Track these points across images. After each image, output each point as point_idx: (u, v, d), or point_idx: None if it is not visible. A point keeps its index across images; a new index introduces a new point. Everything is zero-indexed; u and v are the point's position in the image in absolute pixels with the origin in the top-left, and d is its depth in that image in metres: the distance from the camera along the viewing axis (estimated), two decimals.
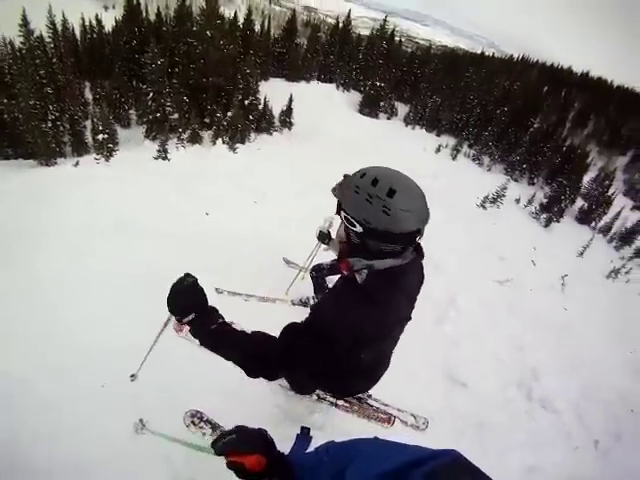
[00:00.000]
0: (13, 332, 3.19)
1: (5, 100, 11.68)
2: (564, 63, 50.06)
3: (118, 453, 2.50)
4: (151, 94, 13.72)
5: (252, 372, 1.59)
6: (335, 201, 1.67)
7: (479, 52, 43.81)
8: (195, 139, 12.98)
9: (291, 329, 1.61)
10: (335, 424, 2.77)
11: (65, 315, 3.44)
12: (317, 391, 2.69)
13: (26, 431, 2.53)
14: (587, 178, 20.14)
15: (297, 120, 17.20)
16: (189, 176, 8.47)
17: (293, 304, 4.30)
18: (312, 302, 4.26)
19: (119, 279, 4.01)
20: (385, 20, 26.31)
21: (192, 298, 1.56)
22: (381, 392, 2.93)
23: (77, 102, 14.81)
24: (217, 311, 1.62)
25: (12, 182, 6.62)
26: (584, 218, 17.21)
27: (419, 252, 1.79)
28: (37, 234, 4.62)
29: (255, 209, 7.15)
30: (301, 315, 1.71)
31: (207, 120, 14.82)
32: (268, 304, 4.22)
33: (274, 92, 17.29)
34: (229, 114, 14.06)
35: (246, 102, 15.51)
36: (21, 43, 12.95)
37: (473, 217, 10.85)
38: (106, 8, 65.08)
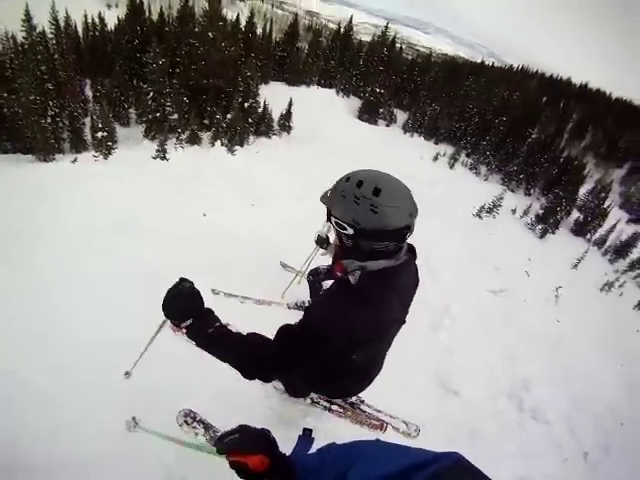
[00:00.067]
0: (12, 330, 3.17)
1: (5, 94, 11.64)
2: (563, 74, 50.26)
3: (110, 451, 2.50)
4: (151, 94, 13.71)
5: (248, 373, 1.60)
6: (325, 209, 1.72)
7: (479, 61, 43.96)
8: (194, 140, 12.97)
9: (285, 330, 1.63)
10: (328, 428, 2.77)
11: (64, 312, 3.42)
12: (311, 395, 2.70)
13: (26, 429, 2.53)
14: (583, 190, 20.21)
15: (296, 124, 17.22)
16: (187, 177, 8.46)
17: (289, 307, 4.30)
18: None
19: (118, 277, 4.01)
20: (387, 27, 26.44)
21: (190, 303, 1.56)
22: (374, 398, 2.96)
23: (77, 99, 14.78)
24: (213, 313, 1.63)
25: (10, 177, 6.61)
26: (579, 230, 17.26)
27: (413, 253, 1.82)
28: (36, 231, 4.59)
29: (253, 211, 7.15)
30: (296, 319, 1.72)
31: (206, 121, 14.81)
32: (264, 307, 4.22)
33: (274, 95, 17.31)
34: (229, 116, 14.06)
35: (246, 105, 15.52)
36: (23, 38, 12.92)
37: (470, 226, 10.87)
38: (109, 6, 65.06)
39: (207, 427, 2.62)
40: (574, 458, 4.06)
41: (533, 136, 24.20)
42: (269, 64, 22.08)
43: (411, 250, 1.82)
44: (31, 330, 3.19)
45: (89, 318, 3.40)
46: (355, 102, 23.51)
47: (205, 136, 13.70)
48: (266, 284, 4.45)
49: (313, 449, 1.38)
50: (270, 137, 16.31)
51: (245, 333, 1.61)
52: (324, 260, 3.79)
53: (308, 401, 2.74)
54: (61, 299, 3.61)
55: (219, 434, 1.29)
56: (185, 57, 15.42)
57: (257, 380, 1.64)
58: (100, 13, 21.71)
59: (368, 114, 22.40)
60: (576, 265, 11.68)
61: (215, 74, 15.22)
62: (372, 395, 2.84)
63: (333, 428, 2.82)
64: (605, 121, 36.41)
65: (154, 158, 10.07)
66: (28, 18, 12.84)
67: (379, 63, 25.01)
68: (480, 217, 12.47)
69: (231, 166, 10.60)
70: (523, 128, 23.39)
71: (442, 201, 11.30)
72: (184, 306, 1.55)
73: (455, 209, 11.49)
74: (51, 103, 12.72)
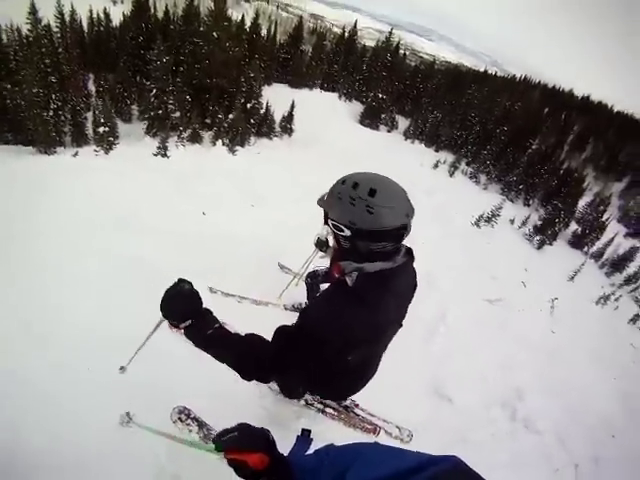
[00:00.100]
0: (12, 328, 3.16)
1: (9, 86, 11.64)
2: (566, 86, 50.40)
3: (104, 446, 2.50)
4: (154, 91, 13.72)
5: (247, 374, 1.61)
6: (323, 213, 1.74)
7: (482, 70, 44.04)
8: (195, 139, 12.98)
9: (282, 332, 1.65)
10: (321, 430, 2.76)
11: (63, 309, 3.41)
12: (305, 396, 2.70)
13: (25, 426, 2.53)
14: (582, 202, 20.21)
15: (298, 127, 17.23)
16: (188, 175, 8.45)
17: (285, 309, 4.31)
18: None
19: (117, 273, 4.01)
20: (391, 33, 26.46)
21: (189, 303, 1.56)
22: (368, 402, 2.96)
23: (80, 93, 14.79)
24: (212, 314, 1.62)
25: (11, 168, 6.59)
26: (577, 242, 17.25)
27: (411, 256, 1.83)
28: (36, 224, 4.57)
29: (253, 212, 7.15)
30: (293, 320, 1.73)
31: (208, 121, 14.82)
32: (261, 307, 4.22)
33: (276, 97, 17.32)
34: (231, 116, 14.08)
35: (248, 105, 15.53)
36: (28, 31, 12.94)
37: (468, 235, 10.87)
38: (114, 2, 64.86)
39: (201, 425, 2.62)
40: (565, 469, 4.06)
41: (534, 147, 24.21)
42: (272, 66, 22.09)
43: (409, 253, 1.83)
44: (31, 328, 3.18)
45: (88, 315, 3.39)
46: (357, 107, 23.52)
47: (206, 135, 13.71)
48: (264, 285, 4.45)
49: (310, 450, 1.38)
50: (271, 139, 16.32)
51: (244, 334, 1.62)
52: (322, 263, 3.81)
53: (302, 402, 2.75)
54: (59, 295, 3.59)
55: (219, 431, 1.28)
56: (189, 56, 15.43)
57: (254, 381, 1.65)
58: (105, 9, 21.69)
59: (370, 119, 22.41)
60: (572, 277, 11.68)
61: (218, 74, 15.24)
62: (366, 399, 2.86)
63: (326, 430, 2.82)
64: (606, 134, 36.44)
65: (155, 155, 10.08)
66: (33, 11, 12.86)
67: (382, 68, 25.02)
68: (478, 226, 12.48)
69: (232, 166, 10.59)
70: (524, 138, 23.41)
71: (441, 209, 11.31)
72: (183, 307, 1.55)
73: (454, 217, 11.48)
74: (54, 96, 12.72)
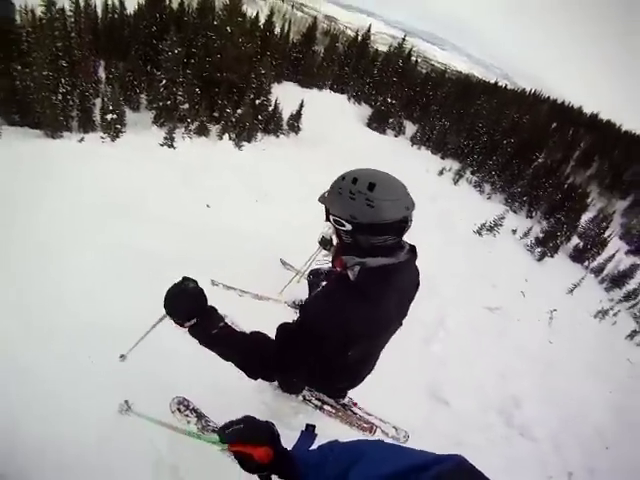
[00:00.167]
0: (13, 317, 3.14)
1: (19, 67, 11.61)
2: (575, 102, 50.36)
3: (101, 434, 2.50)
4: (164, 81, 13.69)
5: (252, 373, 1.63)
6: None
7: (492, 82, 44.04)
8: (202, 131, 12.96)
9: (284, 330, 1.65)
10: (318, 427, 2.77)
11: (65, 298, 3.41)
12: (304, 392, 2.70)
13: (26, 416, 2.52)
14: (585, 218, 20.14)
15: (305, 126, 17.20)
16: (194, 167, 8.45)
17: (287, 305, 4.30)
18: None
19: (120, 261, 4.02)
20: (404, 39, 26.46)
21: (193, 302, 1.55)
22: (366, 401, 2.95)
23: (90, 79, 14.72)
24: (217, 312, 1.62)
25: (18, 151, 6.57)
26: (578, 256, 17.20)
27: (414, 253, 1.83)
28: (41, 208, 4.57)
29: (258, 208, 7.15)
30: (294, 316, 1.72)
31: (216, 114, 14.78)
32: (262, 302, 4.22)
33: (286, 95, 17.27)
34: (239, 111, 14.05)
35: (257, 102, 15.50)
36: (42, 13, 12.89)
37: (470, 243, 10.88)
38: None
39: (200, 416, 2.62)
40: (558, 477, 4.08)
41: (539, 160, 24.16)
42: (284, 64, 22.04)
43: (412, 250, 1.83)
44: (31, 316, 3.16)
45: (90, 303, 3.38)
46: (366, 110, 23.50)
47: (214, 129, 13.68)
48: (266, 281, 4.46)
49: (314, 446, 1.37)
50: (278, 136, 16.29)
51: (249, 332, 1.63)
52: (325, 261, 3.81)
53: (300, 398, 2.74)
54: (61, 284, 3.58)
55: (223, 423, 1.27)
56: (201, 49, 15.40)
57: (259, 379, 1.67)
58: None
59: (377, 123, 22.38)
60: (572, 290, 11.65)
61: (229, 68, 15.22)
62: (363, 398, 2.85)
63: (324, 427, 2.78)
64: (612, 152, 36.38)
65: (161, 145, 10.05)
66: None
67: (393, 74, 24.99)
68: (481, 234, 12.46)
69: (238, 161, 10.59)
70: (530, 151, 23.37)
71: (444, 215, 11.32)
72: (188, 305, 1.54)
73: (457, 224, 11.50)
74: (63, 80, 12.68)
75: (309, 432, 1.47)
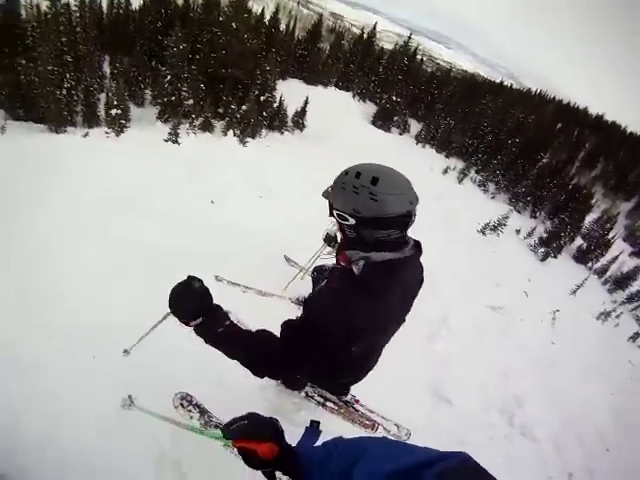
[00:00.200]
0: (13, 315, 3.14)
1: (24, 62, 11.64)
2: (580, 103, 50.27)
3: (104, 429, 2.50)
4: (169, 77, 13.74)
5: (258, 371, 1.62)
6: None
7: (498, 81, 43.95)
8: (207, 127, 12.98)
9: (288, 327, 1.64)
10: (321, 423, 2.77)
11: (67, 293, 3.40)
12: (306, 388, 2.69)
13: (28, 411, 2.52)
14: (589, 219, 20.10)
15: (310, 123, 17.20)
16: (198, 163, 8.43)
17: (291, 301, 4.29)
18: None
19: (123, 257, 4.00)
20: (410, 37, 26.37)
21: (199, 301, 1.54)
22: (368, 398, 2.94)
23: (94, 74, 14.77)
24: (222, 310, 1.61)
25: (22, 145, 6.58)
26: (581, 257, 17.17)
27: (419, 249, 1.82)
28: (44, 202, 4.56)
29: (262, 204, 7.14)
30: (297, 313, 1.72)
31: (221, 110, 14.81)
32: (265, 298, 4.21)
33: (290, 92, 17.29)
34: (243, 107, 14.08)
35: (262, 98, 15.52)
36: (47, 7, 12.92)
37: (473, 242, 10.85)
38: None
39: (202, 412, 2.62)
40: (558, 477, 4.09)
41: (544, 160, 24.15)
42: (289, 61, 22.06)
43: (417, 246, 1.83)
44: (31, 313, 3.16)
45: (92, 299, 3.37)
46: (370, 108, 23.49)
47: (218, 125, 13.71)
48: (270, 277, 4.44)
49: (318, 442, 1.37)
50: (282, 133, 16.30)
51: (254, 330, 1.62)
52: (329, 258, 3.81)
53: (302, 394, 2.74)
54: (63, 279, 3.56)
55: (228, 420, 1.27)
56: (206, 45, 15.41)
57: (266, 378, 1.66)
58: None
59: (382, 121, 22.37)
60: (575, 291, 11.63)
61: (234, 65, 15.23)
62: (366, 395, 2.85)
63: (326, 424, 2.78)
64: (617, 154, 36.31)
65: (166, 141, 10.07)
66: None
67: (398, 72, 24.99)
68: (484, 234, 12.44)
69: (242, 157, 10.58)
70: (535, 151, 23.34)
71: (448, 214, 11.30)
72: (194, 305, 1.53)
73: (461, 223, 11.47)
74: (68, 75, 12.73)
75: (313, 428, 1.45)
